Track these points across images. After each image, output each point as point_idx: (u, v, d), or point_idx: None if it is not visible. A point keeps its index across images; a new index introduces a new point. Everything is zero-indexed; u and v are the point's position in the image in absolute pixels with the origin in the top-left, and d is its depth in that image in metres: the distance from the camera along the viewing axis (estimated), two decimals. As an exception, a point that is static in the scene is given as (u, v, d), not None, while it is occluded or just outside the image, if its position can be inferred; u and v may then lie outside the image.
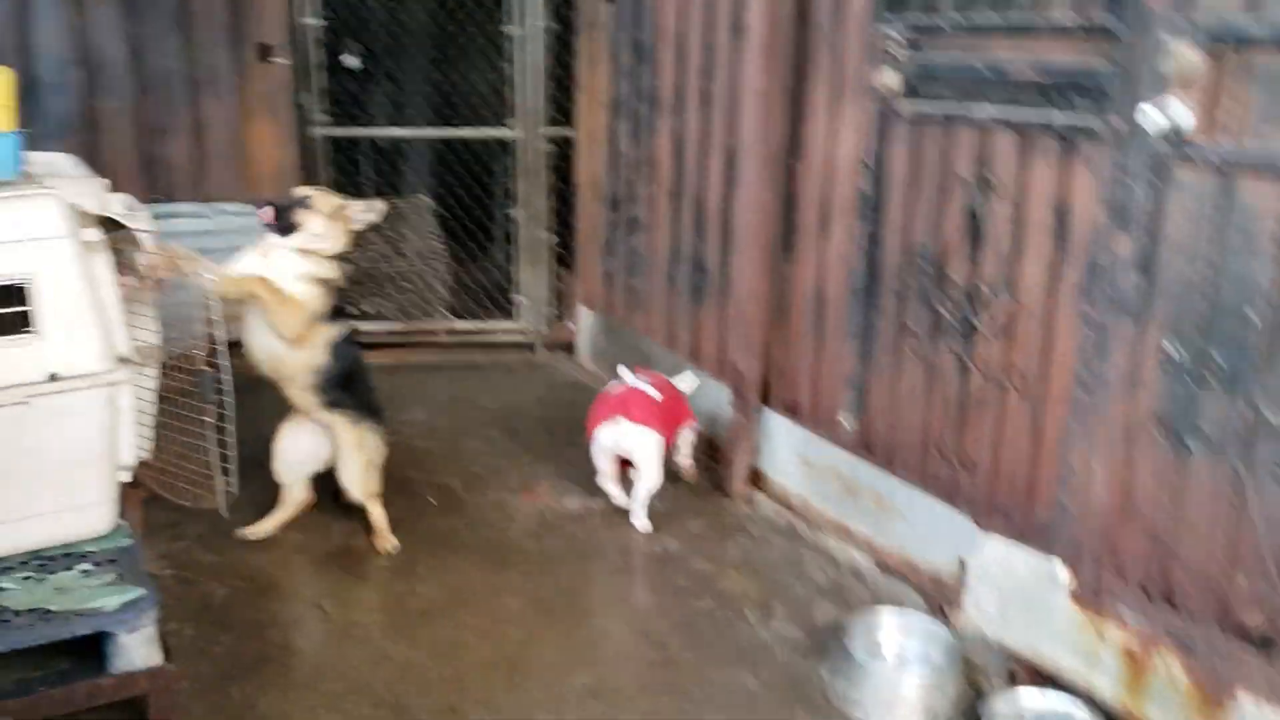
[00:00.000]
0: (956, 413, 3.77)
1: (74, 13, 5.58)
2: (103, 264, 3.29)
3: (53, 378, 3.15)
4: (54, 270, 3.13)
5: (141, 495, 3.71)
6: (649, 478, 4.50)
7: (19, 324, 3.12)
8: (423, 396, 6.02)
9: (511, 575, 4.10)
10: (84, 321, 3.20)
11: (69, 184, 3.76)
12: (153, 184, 5.92)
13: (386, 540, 4.27)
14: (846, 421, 4.30)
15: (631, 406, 4.51)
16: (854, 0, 4.07)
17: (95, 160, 5.66)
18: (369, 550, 4.24)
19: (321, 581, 4.03)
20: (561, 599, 3.95)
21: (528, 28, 6.33)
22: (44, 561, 3.24)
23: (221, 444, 3.47)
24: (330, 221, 3.99)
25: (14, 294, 3.10)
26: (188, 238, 5.94)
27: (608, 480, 4.67)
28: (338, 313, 4.08)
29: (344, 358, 4.08)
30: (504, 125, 6.57)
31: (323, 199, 4.03)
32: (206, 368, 3.35)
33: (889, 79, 3.89)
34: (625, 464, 4.64)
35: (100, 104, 5.74)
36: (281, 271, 3.95)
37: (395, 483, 4.79)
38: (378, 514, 4.32)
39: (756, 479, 4.86)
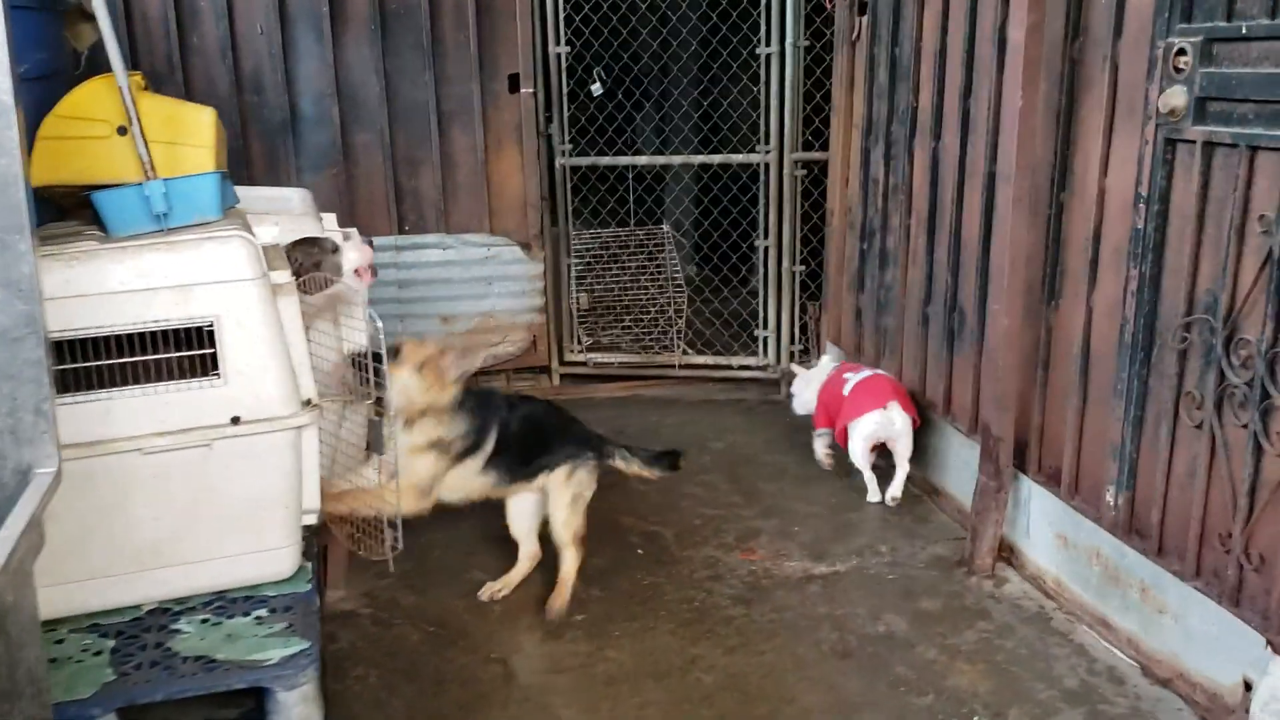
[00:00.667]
0: (1246, 500, 3.08)
1: (333, 48, 5.77)
2: (291, 307, 3.25)
3: (235, 421, 3.13)
4: (240, 313, 3.10)
5: (325, 540, 3.67)
6: (908, 459, 4.88)
7: (204, 366, 3.12)
8: (649, 433, 5.79)
9: (711, 646, 3.75)
10: (269, 365, 3.16)
11: (286, 220, 3.80)
12: (403, 215, 6.04)
13: (559, 600, 3.97)
14: (1111, 498, 3.66)
15: (900, 393, 4.89)
16: (1137, 7, 3.46)
17: (351, 192, 5.87)
18: (568, 601, 4.03)
19: (512, 634, 3.84)
20: (763, 681, 3.56)
21: (782, 46, 5.98)
22: (224, 604, 3.23)
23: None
24: (420, 375, 3.68)
25: (200, 336, 3.10)
26: (433, 268, 6.06)
27: (868, 467, 4.92)
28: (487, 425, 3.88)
29: (509, 450, 3.92)
30: (754, 150, 6.25)
31: (412, 350, 3.73)
32: (375, 416, 3.23)
33: (1175, 98, 3.26)
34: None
35: (355, 137, 5.92)
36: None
37: (604, 527, 4.58)
38: (572, 563, 4.02)
39: (1005, 554, 4.27)
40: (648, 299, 6.36)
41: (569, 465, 4.01)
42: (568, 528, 4.01)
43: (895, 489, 4.88)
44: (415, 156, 6.01)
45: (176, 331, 3.06)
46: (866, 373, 5.01)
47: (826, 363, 5.42)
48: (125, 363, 3.02)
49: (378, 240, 5.90)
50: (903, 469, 4.85)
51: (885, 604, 4.02)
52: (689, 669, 3.63)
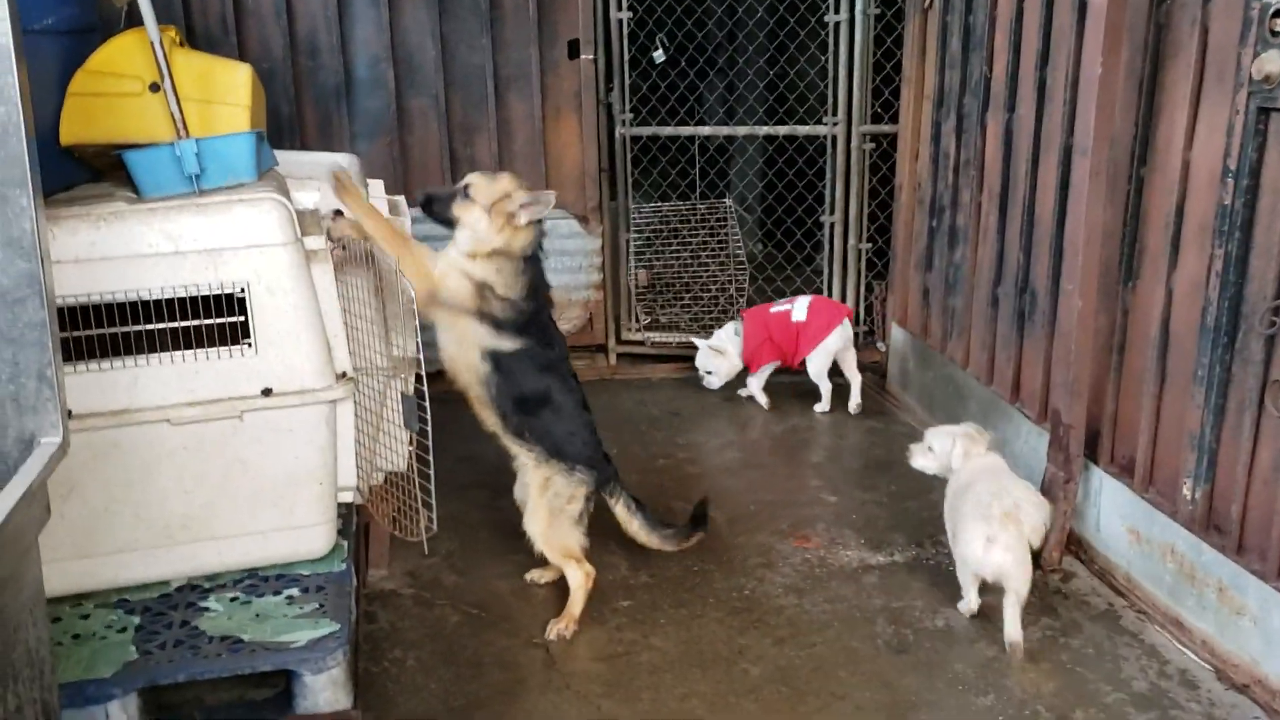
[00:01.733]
0: (1342, 500, 2.83)
1: (389, 11, 5.64)
2: (326, 275, 3.12)
3: (266, 392, 3.02)
4: (271, 279, 2.99)
5: (367, 518, 3.56)
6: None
7: (234, 335, 3.01)
8: (706, 415, 5.62)
9: (760, 636, 3.58)
10: (301, 335, 3.04)
11: (328, 187, 3.68)
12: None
13: (563, 624, 3.59)
14: (1189, 491, 3.41)
15: (846, 308, 5.67)
16: (1232, -37, 3.19)
17: (405, 160, 5.74)
18: (611, 587, 3.88)
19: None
20: (812, 675, 3.38)
21: (851, 13, 5.73)
22: (255, 583, 3.13)
23: (423, 475, 3.21)
24: (490, 214, 3.44)
25: (231, 304, 2.99)
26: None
27: (827, 380, 5.57)
28: (526, 328, 3.52)
29: (512, 372, 3.50)
30: (821, 122, 6.01)
31: (484, 186, 3.49)
32: (409, 393, 3.09)
33: (1271, 64, 2.99)
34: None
35: (410, 103, 5.79)
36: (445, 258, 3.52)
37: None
38: (573, 582, 3.64)
39: (1073, 547, 4.03)
40: (709, 276, 6.16)
41: (548, 468, 3.59)
42: (548, 543, 3.63)
43: (858, 397, 5.59)
44: (471, 124, 5.87)
45: (207, 298, 2.95)
46: (803, 299, 5.55)
47: (728, 329, 5.71)
48: (154, 330, 2.92)
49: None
50: (858, 379, 5.60)
51: (945, 597, 3.80)
52: (736, 659, 3.46)
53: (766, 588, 3.88)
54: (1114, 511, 3.84)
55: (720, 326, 5.78)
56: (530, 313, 3.51)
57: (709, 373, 5.71)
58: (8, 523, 1.82)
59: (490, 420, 3.60)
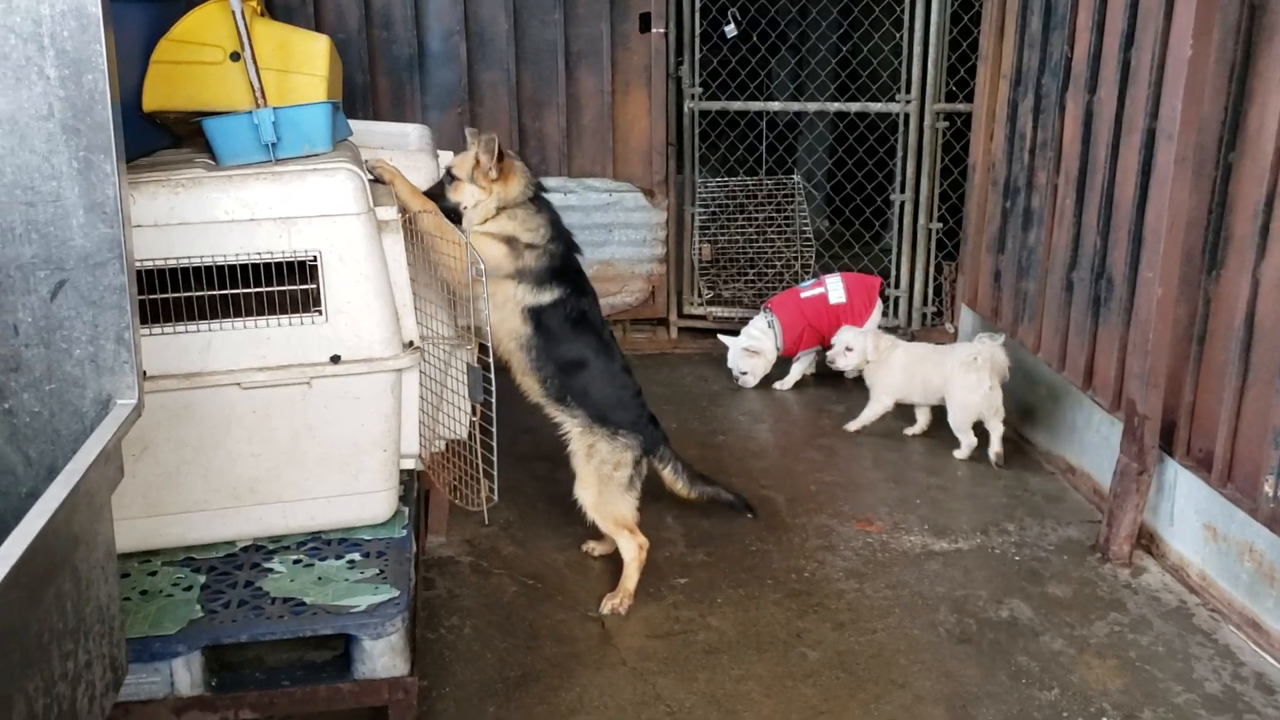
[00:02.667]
0: None
1: (463, -17, 5.66)
2: (396, 245, 3.14)
3: (335, 360, 3.05)
4: (343, 248, 3.01)
5: (427, 484, 3.58)
6: None
7: (305, 303, 3.03)
8: (766, 393, 5.58)
9: (819, 621, 3.55)
10: (371, 303, 3.06)
11: (400, 157, 3.70)
12: (525, 158, 5.89)
13: (619, 599, 3.60)
14: (1271, 488, 3.31)
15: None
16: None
17: (474, 131, 5.74)
18: (669, 564, 3.88)
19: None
20: (872, 661, 3.35)
21: (929, -12, 5.63)
22: (319, 546, 3.17)
23: (486, 446, 3.22)
24: (475, 181, 3.49)
25: (302, 271, 3.02)
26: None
27: None
28: (559, 274, 3.53)
29: (551, 330, 3.48)
30: (894, 100, 5.91)
31: (459, 163, 3.55)
32: (475, 364, 3.10)
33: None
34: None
35: (481, 76, 5.80)
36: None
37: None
38: (627, 554, 3.64)
39: (1144, 541, 3.95)
40: (774, 252, 6.11)
41: (592, 435, 3.54)
42: (599, 512, 3.60)
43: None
44: (541, 97, 5.87)
45: (279, 265, 2.98)
46: (833, 280, 5.49)
47: (758, 324, 5.57)
48: (227, 294, 2.96)
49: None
50: None
51: (1010, 587, 3.75)
52: (794, 643, 3.44)
53: (826, 571, 3.86)
54: (1189, 506, 3.76)
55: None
56: (560, 255, 3.55)
57: (743, 373, 5.59)
58: (83, 483, 1.85)
59: (533, 388, 3.58)
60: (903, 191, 5.92)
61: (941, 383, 4.81)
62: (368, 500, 3.21)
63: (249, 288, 2.96)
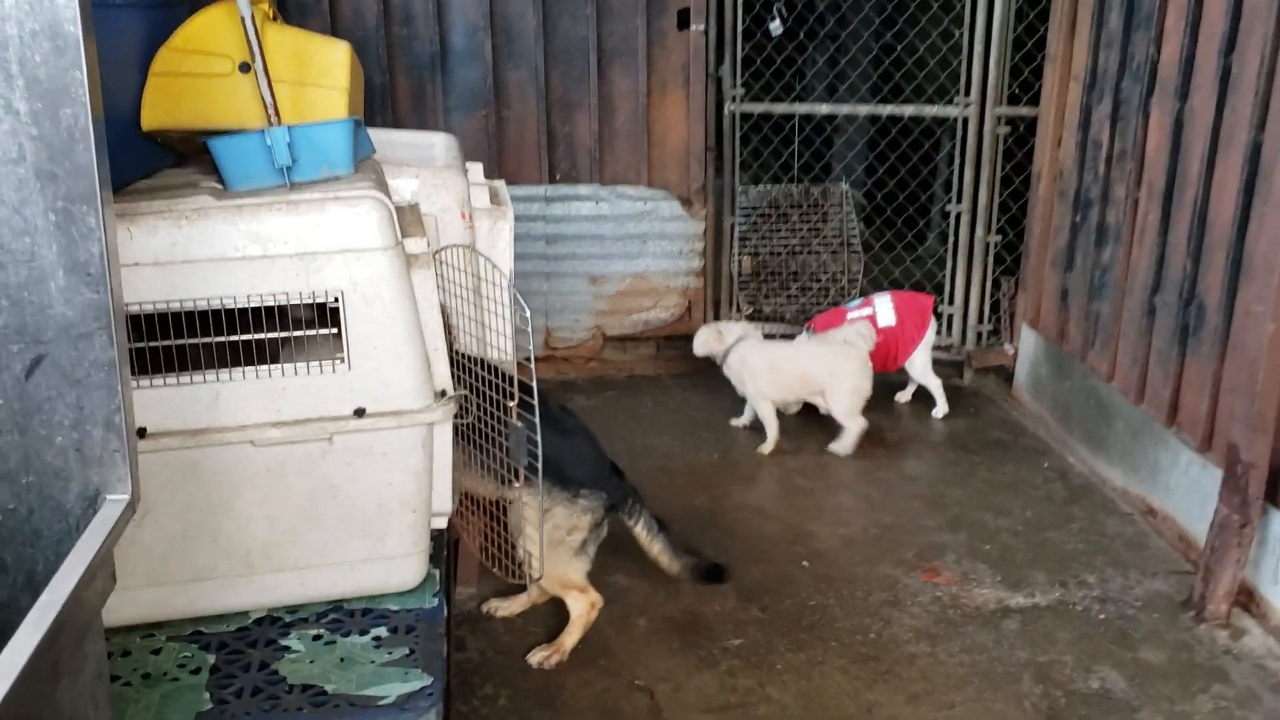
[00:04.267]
0: None
1: (489, -24, 5.29)
2: (427, 282, 2.79)
3: (359, 413, 2.70)
4: (368, 288, 2.66)
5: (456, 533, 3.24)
6: None
7: (326, 349, 2.69)
8: (812, 418, 5.22)
9: (890, 692, 3.21)
10: (400, 350, 2.71)
11: (427, 174, 3.36)
12: (554, 163, 5.56)
13: (550, 653, 3.31)
14: (1403, 555, 2.96)
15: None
16: None
17: (500, 136, 5.40)
18: (720, 621, 3.54)
19: (659, 656, 3.37)
20: (952, 741, 3.02)
21: (991, -16, 5.24)
22: (340, 618, 2.83)
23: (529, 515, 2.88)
24: None
25: (323, 314, 2.67)
26: (583, 222, 5.57)
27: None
28: None
29: None
30: (951, 102, 5.53)
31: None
32: (515, 419, 2.73)
33: None
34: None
35: (508, 75, 5.43)
36: None
37: (760, 536, 4.07)
38: (573, 611, 3.33)
39: (1242, 598, 3.59)
40: (819, 265, 5.74)
41: (549, 497, 3.07)
42: (548, 575, 3.15)
43: (944, 403, 5.22)
44: (571, 99, 5.50)
45: (296, 308, 2.64)
46: (882, 300, 5.13)
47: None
48: (238, 341, 2.61)
49: (526, 190, 5.48)
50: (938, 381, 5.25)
51: (1098, 652, 3.40)
52: (864, 719, 3.10)
53: (894, 630, 3.51)
54: (1298, 565, 3.40)
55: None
56: None
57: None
58: (69, 604, 1.52)
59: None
60: (959, 201, 5.54)
61: (827, 376, 4.78)
62: (395, 565, 2.87)
63: (262, 332, 2.62)
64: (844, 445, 4.80)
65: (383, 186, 2.87)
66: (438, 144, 3.91)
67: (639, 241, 5.71)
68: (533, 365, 2.60)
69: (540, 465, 2.71)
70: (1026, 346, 5.31)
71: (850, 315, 5.14)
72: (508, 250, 3.65)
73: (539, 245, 5.63)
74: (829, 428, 5.05)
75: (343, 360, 2.67)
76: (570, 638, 3.32)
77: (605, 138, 5.56)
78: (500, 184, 4.01)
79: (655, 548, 3.44)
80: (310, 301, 2.63)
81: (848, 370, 4.78)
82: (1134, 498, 4.31)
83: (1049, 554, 3.99)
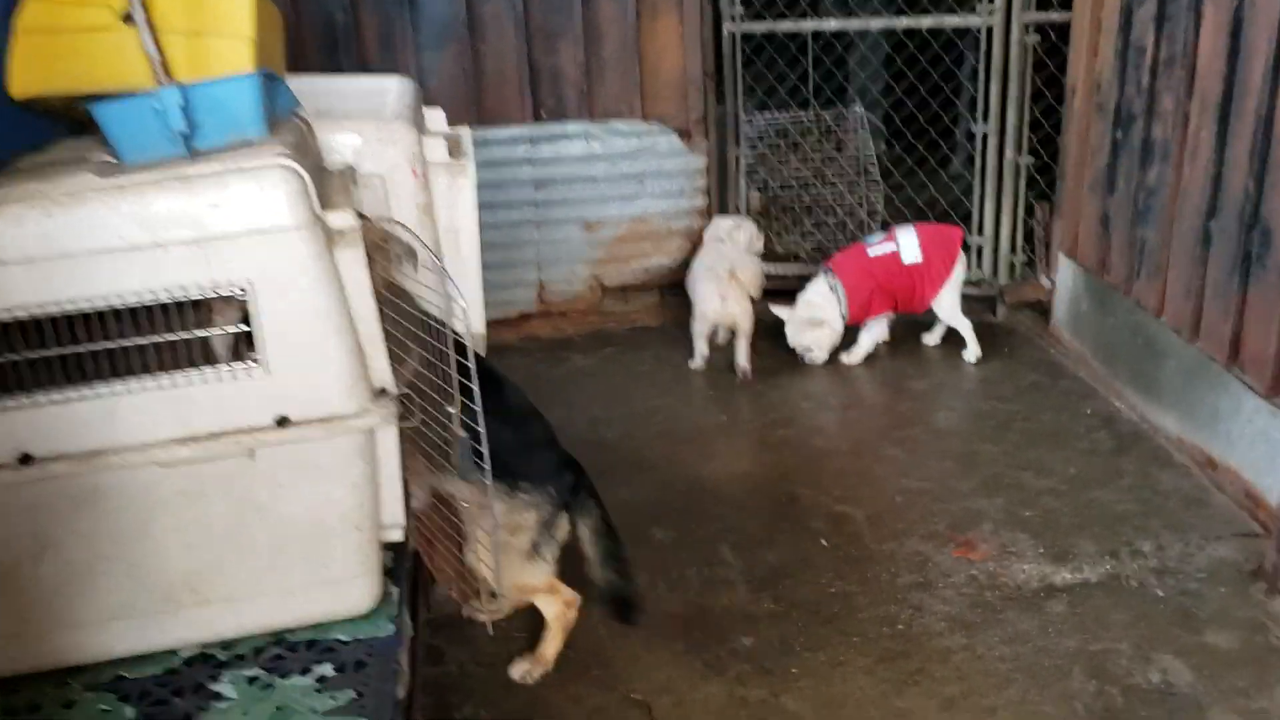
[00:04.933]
0: None
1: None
2: (357, 263, 2.36)
3: (282, 422, 2.30)
4: (281, 275, 2.24)
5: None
6: None
7: (236, 349, 2.29)
8: (830, 368, 4.79)
9: (923, 697, 2.83)
10: (325, 346, 2.31)
11: (371, 127, 2.93)
12: (539, 100, 5.08)
13: (530, 665, 2.94)
14: None
15: None
16: None
17: (477, 73, 4.93)
18: (728, 617, 3.17)
19: (660, 665, 3.00)
20: (994, 755, 2.64)
21: None
22: (281, 654, 2.47)
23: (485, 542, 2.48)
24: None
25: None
26: (574, 163, 5.12)
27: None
28: None
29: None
30: (973, 11, 4.98)
31: None
32: (459, 427, 2.29)
33: None
34: None
35: (483, 6, 4.93)
36: None
37: (776, 506, 3.68)
38: (548, 614, 2.93)
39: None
40: (834, 198, 5.25)
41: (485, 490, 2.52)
42: (500, 584, 2.71)
43: (976, 346, 4.75)
44: (553, 27, 5.01)
45: (198, 304, 2.23)
46: (906, 234, 4.68)
47: (818, 288, 4.73)
48: (129, 346, 2.22)
49: (510, 131, 5.03)
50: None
51: (1157, 636, 3.00)
52: (893, 731, 2.73)
53: (925, 620, 3.11)
54: (1388, 532, 2.96)
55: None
56: None
57: (807, 349, 4.76)
58: None
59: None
60: (985, 121, 5.01)
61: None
62: (342, 590, 2.49)
63: (158, 334, 2.22)
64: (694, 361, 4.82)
65: (302, 150, 2.44)
66: (391, 90, 3.46)
67: (635, 181, 5.25)
68: (471, 361, 2.14)
69: (488, 468, 2.28)
70: (1064, 279, 4.83)
71: (871, 252, 4.69)
72: (470, 210, 3.22)
73: (527, 190, 5.19)
74: (851, 386, 4.63)
75: (258, 362, 2.27)
76: (550, 646, 2.93)
77: (593, 69, 5.07)
78: (464, 132, 3.57)
79: (591, 552, 2.96)
80: (214, 295, 2.22)
81: (703, 294, 4.67)
82: (1190, 448, 3.87)
83: (1097, 517, 3.56)
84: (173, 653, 2.47)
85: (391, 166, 3.04)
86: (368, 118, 3.10)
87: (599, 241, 5.32)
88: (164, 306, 2.21)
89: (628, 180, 5.23)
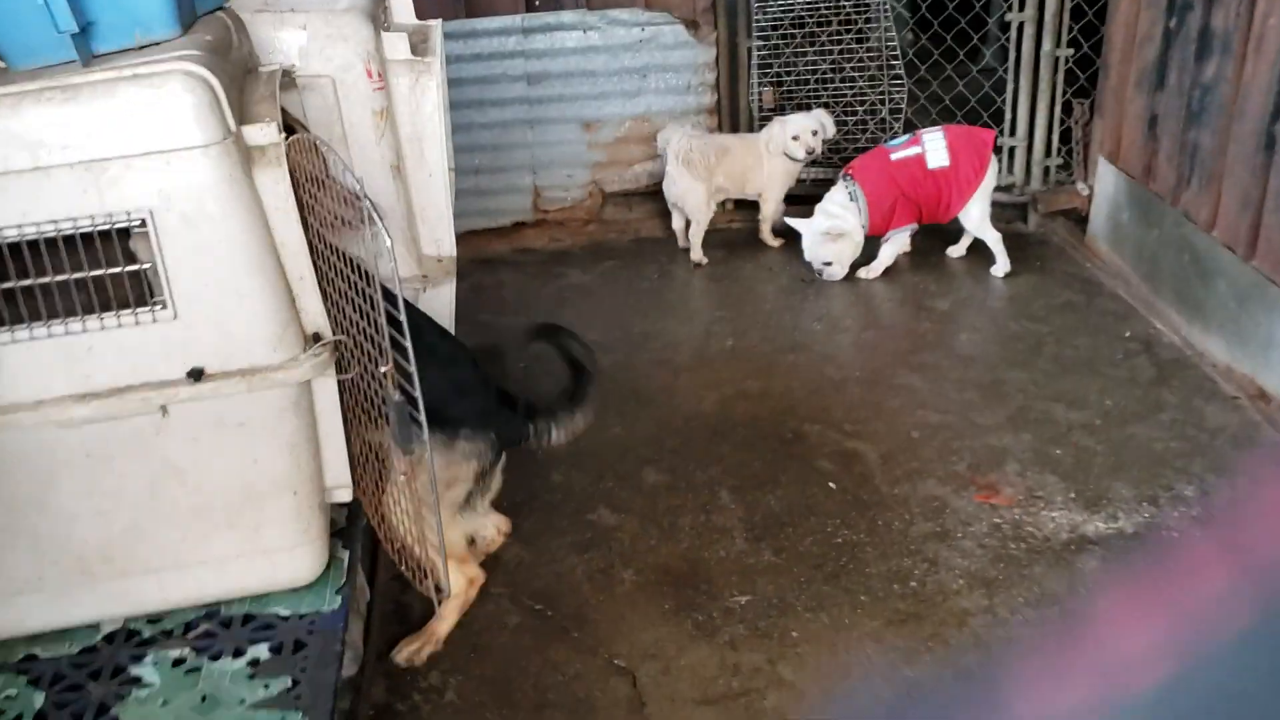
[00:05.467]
0: None
1: None
2: (279, 184, 2.01)
3: (196, 375, 1.99)
4: (187, 203, 1.91)
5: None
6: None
7: (138, 292, 1.96)
8: (844, 285, 4.42)
9: (935, 667, 2.54)
10: (244, 285, 1.98)
11: (319, 21, 2.57)
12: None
13: (419, 644, 2.58)
14: None
15: None
16: None
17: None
18: (723, 570, 2.88)
19: (646, 624, 2.72)
20: (1013, 735, 2.35)
21: None
22: (214, 629, 2.20)
23: (416, 528, 2.16)
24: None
25: (126, 243, 1.93)
26: (570, 56, 4.70)
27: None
28: None
29: None
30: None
31: None
32: (395, 389, 1.94)
33: None
34: None
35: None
36: None
37: (782, 443, 3.37)
38: (449, 595, 2.50)
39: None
40: (854, 94, 4.80)
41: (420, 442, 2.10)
42: (417, 540, 2.29)
43: (1005, 259, 4.36)
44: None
45: (90, 238, 1.90)
46: (933, 136, 4.26)
47: (837, 197, 4.35)
48: (13, 289, 1.89)
49: (500, 21, 4.61)
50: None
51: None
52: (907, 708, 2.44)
53: (941, 576, 2.81)
54: None
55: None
56: None
57: (826, 263, 4.38)
58: None
59: None
60: (1020, 8, 4.53)
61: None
62: (280, 559, 2.21)
63: (45, 276, 1.89)
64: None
65: (221, 51, 2.08)
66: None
67: (638, 76, 4.82)
68: (401, 307, 1.78)
69: (427, 436, 1.94)
70: (1104, 185, 4.41)
71: (894, 155, 4.28)
72: (436, 115, 2.86)
73: (519, 87, 4.78)
74: (867, 305, 4.28)
75: (164, 306, 1.94)
76: (444, 624, 2.60)
77: (584, -57, 4.62)
78: (434, 25, 3.19)
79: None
80: (106, 227, 1.88)
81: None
82: (1240, 378, 3.51)
83: (1134, 457, 3.23)
84: (94, 627, 2.21)
85: (342, 66, 2.68)
86: (318, 9, 2.72)
87: (598, 143, 4.92)
88: (51, 241, 1.88)
89: (629, 75, 4.81)
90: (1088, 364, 3.73)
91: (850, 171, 4.31)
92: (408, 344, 1.72)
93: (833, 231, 4.25)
